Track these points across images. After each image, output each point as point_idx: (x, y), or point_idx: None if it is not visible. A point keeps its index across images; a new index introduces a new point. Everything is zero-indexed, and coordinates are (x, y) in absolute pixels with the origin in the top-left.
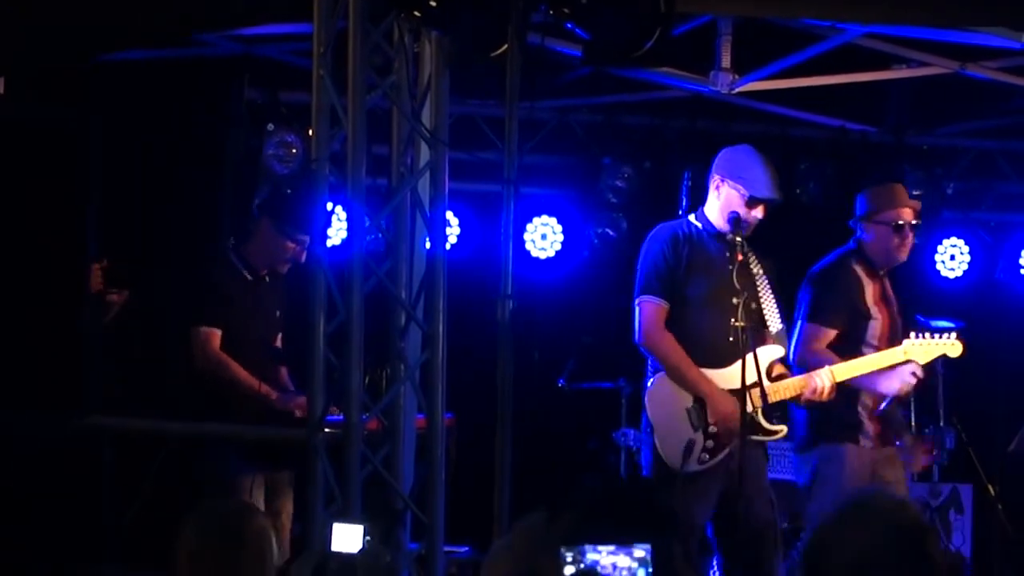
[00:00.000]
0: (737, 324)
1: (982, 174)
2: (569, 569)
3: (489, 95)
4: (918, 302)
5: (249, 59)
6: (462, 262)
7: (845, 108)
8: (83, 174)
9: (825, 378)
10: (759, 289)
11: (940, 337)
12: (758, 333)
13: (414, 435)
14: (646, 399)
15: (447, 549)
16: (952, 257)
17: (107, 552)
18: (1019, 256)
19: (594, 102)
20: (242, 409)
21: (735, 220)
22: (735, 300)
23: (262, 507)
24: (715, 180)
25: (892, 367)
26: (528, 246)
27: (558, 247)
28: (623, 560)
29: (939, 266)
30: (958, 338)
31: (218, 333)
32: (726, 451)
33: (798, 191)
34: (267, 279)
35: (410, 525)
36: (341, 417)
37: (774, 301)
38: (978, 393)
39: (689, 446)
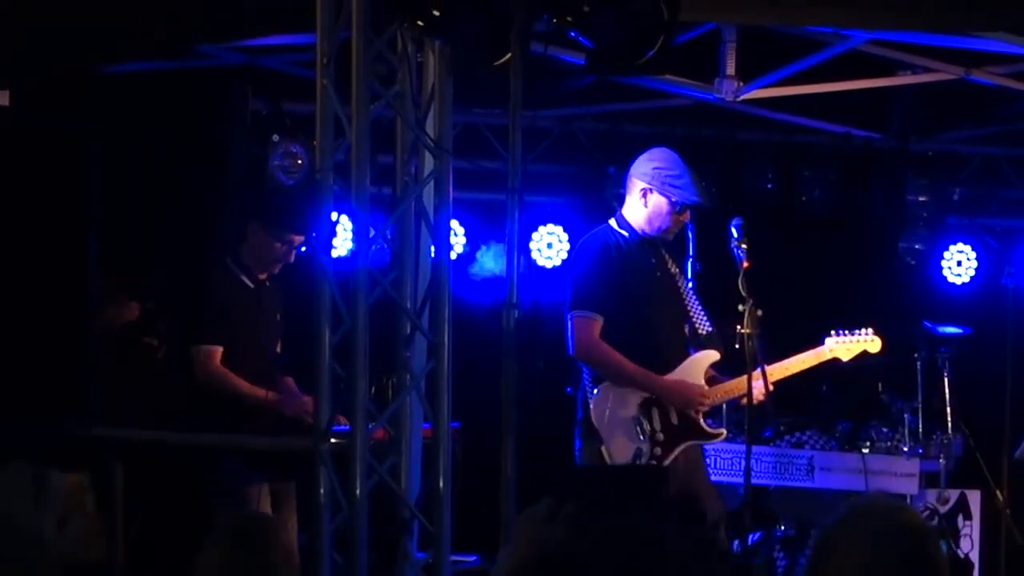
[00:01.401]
0: (743, 331)
1: (987, 180)
2: None
3: (493, 104)
4: (926, 308)
5: (252, 70)
6: (468, 271)
7: (849, 115)
8: (84, 183)
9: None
10: (682, 293)
11: (859, 333)
12: (691, 337)
13: (420, 444)
14: (591, 410)
15: (455, 558)
16: (959, 263)
17: (113, 562)
18: None
19: (598, 110)
20: (250, 421)
21: (741, 226)
22: (739, 307)
23: None
24: (640, 186)
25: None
26: (534, 255)
27: (564, 256)
28: None
29: (946, 272)
30: (875, 334)
31: (219, 350)
32: (672, 456)
33: (803, 198)
34: (267, 283)
35: (417, 534)
36: (347, 427)
37: (699, 304)
38: (986, 398)
39: (637, 455)
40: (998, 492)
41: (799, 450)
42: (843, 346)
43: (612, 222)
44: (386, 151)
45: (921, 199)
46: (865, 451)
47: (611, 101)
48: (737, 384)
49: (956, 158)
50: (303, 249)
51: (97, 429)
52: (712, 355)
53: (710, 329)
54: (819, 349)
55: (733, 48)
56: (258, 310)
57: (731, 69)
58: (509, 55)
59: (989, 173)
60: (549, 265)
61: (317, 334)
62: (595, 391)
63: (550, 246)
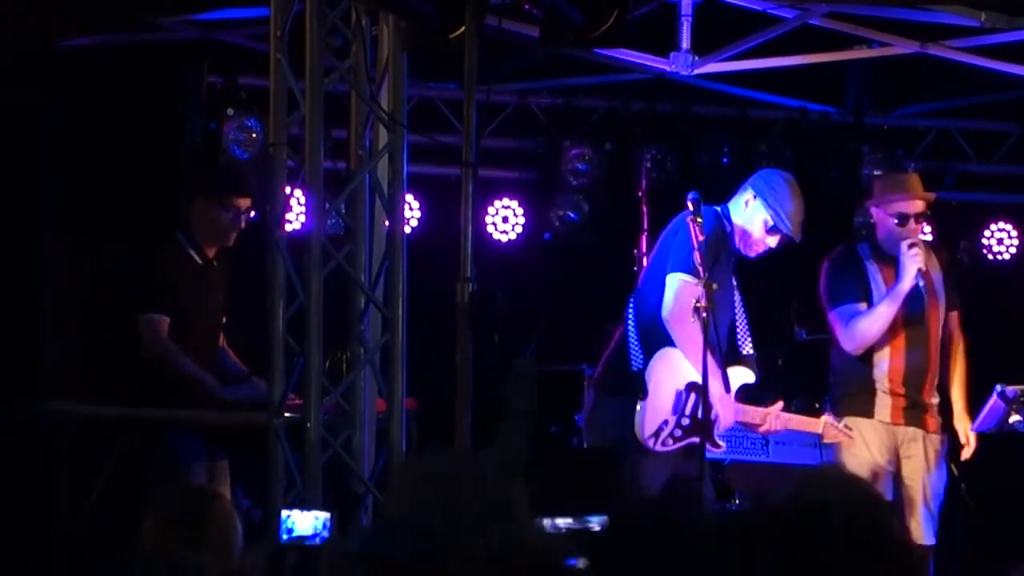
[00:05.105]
0: (699, 306)
1: (943, 154)
2: None
3: (448, 78)
4: None
5: (208, 44)
6: (426, 246)
7: (805, 89)
8: (40, 156)
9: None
10: (736, 307)
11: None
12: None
13: (375, 419)
14: (653, 363)
15: None
16: None
17: (62, 538)
18: (980, 236)
19: (554, 84)
20: (188, 398)
21: (696, 201)
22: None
23: None
24: (750, 193)
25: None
26: (489, 229)
27: (520, 230)
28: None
29: None
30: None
31: (166, 320)
32: (686, 442)
33: None
34: (215, 263)
35: (371, 509)
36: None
37: (747, 325)
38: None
39: (662, 426)
40: (953, 467)
41: None
42: (831, 428)
43: (720, 211)
44: (340, 125)
45: (876, 173)
46: None
47: (567, 75)
48: (756, 414)
49: (912, 133)
50: (252, 215)
51: (48, 402)
52: (748, 375)
53: (752, 353)
54: (815, 420)
55: (689, 22)
56: (205, 288)
57: (687, 43)
58: (463, 28)
59: (945, 147)
60: (504, 239)
61: (271, 308)
62: (658, 353)
63: (506, 220)
